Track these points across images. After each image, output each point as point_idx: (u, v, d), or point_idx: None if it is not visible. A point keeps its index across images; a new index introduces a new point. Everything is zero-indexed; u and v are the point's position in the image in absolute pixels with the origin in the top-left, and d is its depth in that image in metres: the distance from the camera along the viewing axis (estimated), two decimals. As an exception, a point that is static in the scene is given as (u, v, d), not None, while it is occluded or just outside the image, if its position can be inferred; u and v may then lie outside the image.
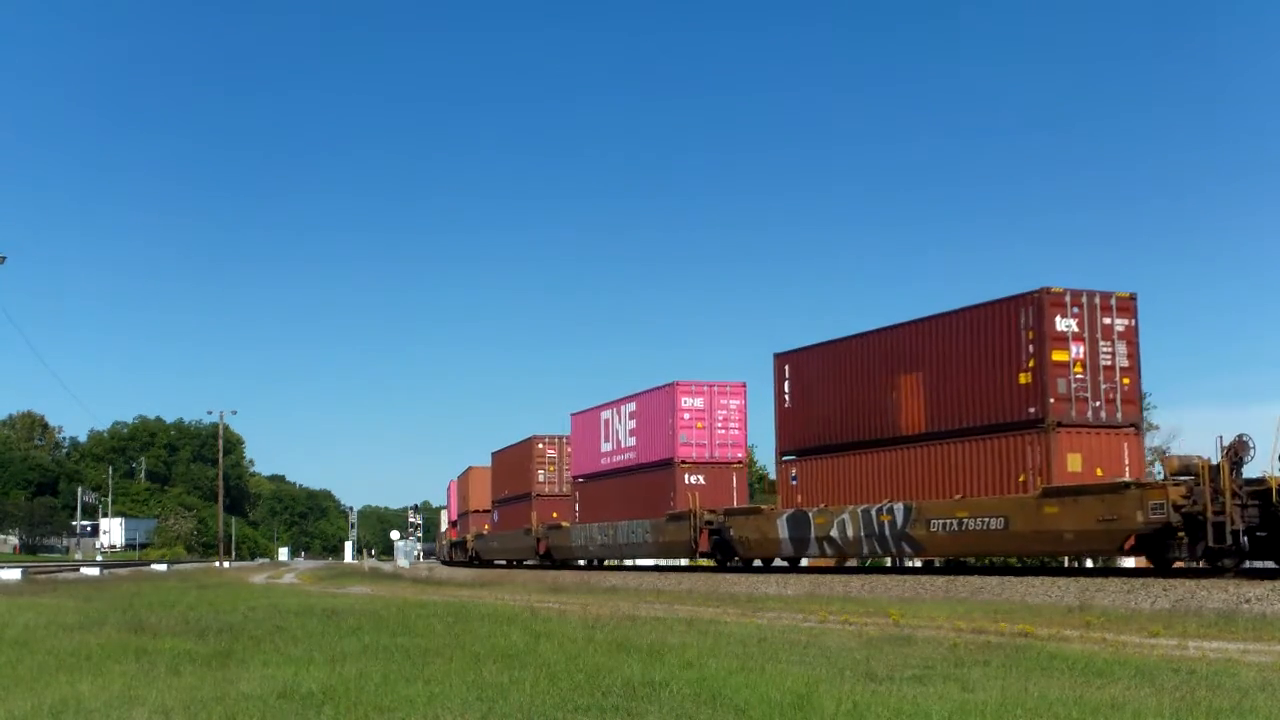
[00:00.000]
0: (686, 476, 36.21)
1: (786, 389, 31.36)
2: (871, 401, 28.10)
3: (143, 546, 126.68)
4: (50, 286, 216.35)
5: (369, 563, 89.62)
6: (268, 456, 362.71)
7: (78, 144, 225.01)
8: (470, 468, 65.39)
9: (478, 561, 61.22)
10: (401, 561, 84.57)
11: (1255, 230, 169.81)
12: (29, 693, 8.22)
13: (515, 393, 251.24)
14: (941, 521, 25.30)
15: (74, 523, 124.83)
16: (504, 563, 56.99)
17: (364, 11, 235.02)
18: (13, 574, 35.62)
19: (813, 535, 29.25)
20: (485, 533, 60.02)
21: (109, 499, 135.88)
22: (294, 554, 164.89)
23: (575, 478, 46.05)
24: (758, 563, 33.68)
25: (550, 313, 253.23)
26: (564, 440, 48.78)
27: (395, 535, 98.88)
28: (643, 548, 39.51)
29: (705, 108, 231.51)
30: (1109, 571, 27.40)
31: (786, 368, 31.53)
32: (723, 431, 37.01)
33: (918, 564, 30.88)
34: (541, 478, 49.65)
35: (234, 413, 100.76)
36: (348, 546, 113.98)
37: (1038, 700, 7.50)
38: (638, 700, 7.57)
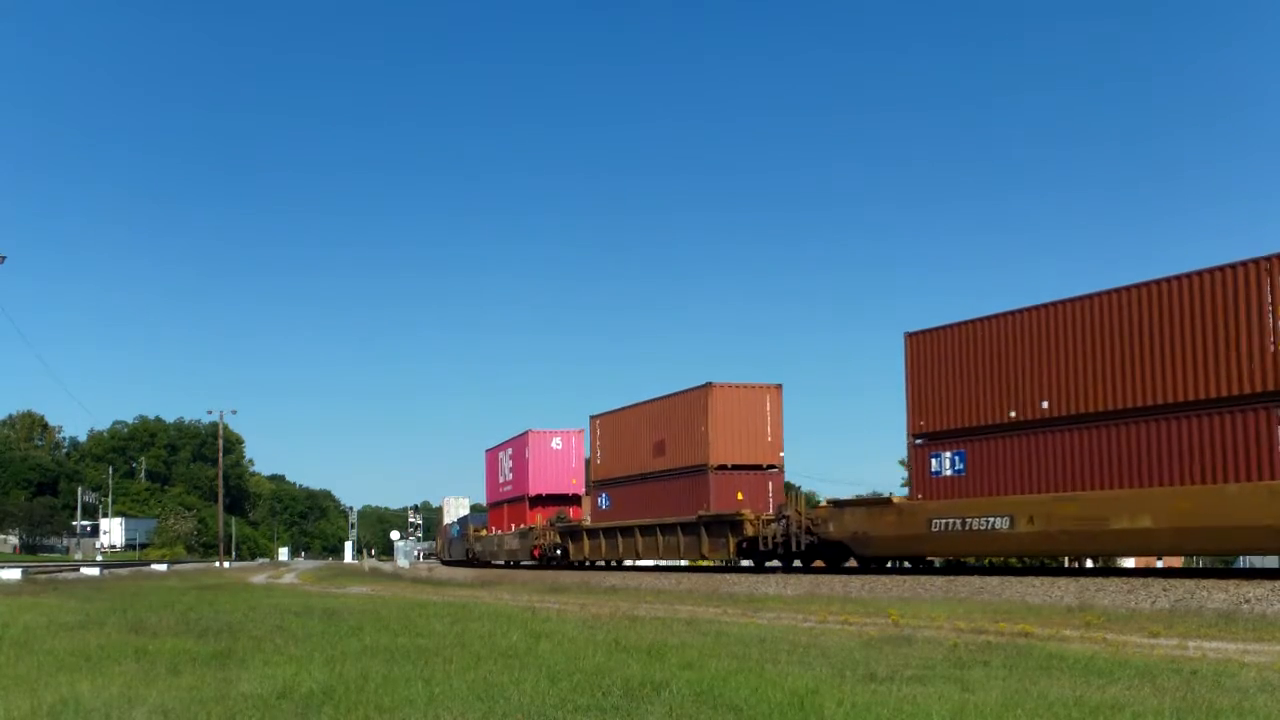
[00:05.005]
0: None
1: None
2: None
3: (143, 546, 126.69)
4: (50, 286, 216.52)
5: (369, 563, 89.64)
6: (268, 456, 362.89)
7: (78, 145, 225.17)
8: (712, 386, 34.65)
9: (793, 561, 30.97)
10: (401, 561, 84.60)
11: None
12: (29, 693, 8.20)
13: (515, 392, 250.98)
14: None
15: (74, 523, 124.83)
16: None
17: (366, 29, 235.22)
18: (13, 574, 35.56)
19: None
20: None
21: (109, 499, 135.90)
22: (294, 554, 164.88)
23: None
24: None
25: (553, 312, 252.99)
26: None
27: (395, 535, 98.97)
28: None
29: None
30: (1109, 571, 27.52)
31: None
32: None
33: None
34: None
35: (234, 412, 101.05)
36: (348, 546, 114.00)
37: (1038, 701, 7.49)
38: (638, 701, 7.56)
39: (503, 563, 53.93)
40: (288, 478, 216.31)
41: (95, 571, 46.94)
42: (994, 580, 22.95)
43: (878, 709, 7.12)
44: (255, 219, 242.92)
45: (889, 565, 30.52)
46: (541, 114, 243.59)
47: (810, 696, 7.55)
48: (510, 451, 54.09)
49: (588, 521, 42.96)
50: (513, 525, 52.18)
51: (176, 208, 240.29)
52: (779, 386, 35.12)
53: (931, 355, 26.89)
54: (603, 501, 41.83)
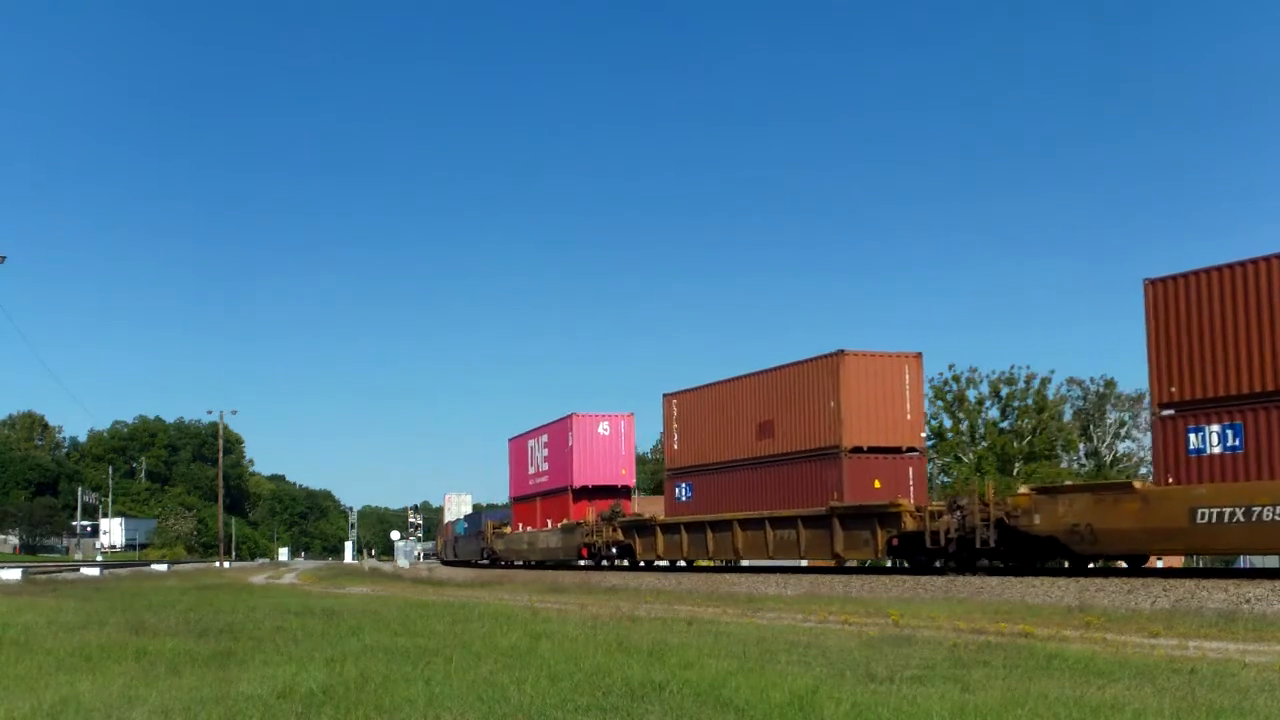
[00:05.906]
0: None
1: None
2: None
3: (143, 547, 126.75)
4: (50, 286, 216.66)
5: (369, 563, 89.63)
6: (268, 456, 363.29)
7: (78, 145, 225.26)
8: (845, 354, 29.60)
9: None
10: (401, 562, 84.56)
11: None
12: (29, 693, 8.21)
13: (515, 393, 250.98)
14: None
15: (74, 523, 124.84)
16: None
17: (365, 29, 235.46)
18: (13, 574, 35.56)
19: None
20: None
21: (109, 499, 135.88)
22: (294, 554, 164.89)
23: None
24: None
25: (551, 312, 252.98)
26: None
27: (395, 535, 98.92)
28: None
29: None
30: (1109, 571, 27.46)
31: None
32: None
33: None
34: None
35: (234, 413, 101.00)
36: (348, 546, 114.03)
37: (1038, 701, 7.48)
38: (638, 701, 7.56)
39: (531, 563, 48.01)
40: (288, 478, 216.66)
41: (95, 572, 46.94)
42: (994, 580, 22.97)
43: (878, 709, 7.12)
44: (255, 219, 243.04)
45: (967, 564, 25.58)
46: (533, 115, 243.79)
47: (810, 696, 7.54)
48: (545, 439, 47.61)
49: (660, 515, 36.76)
50: (549, 521, 45.92)
51: (176, 208, 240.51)
52: (918, 355, 29.44)
53: (1187, 307, 21.63)
54: (682, 493, 35.78)
